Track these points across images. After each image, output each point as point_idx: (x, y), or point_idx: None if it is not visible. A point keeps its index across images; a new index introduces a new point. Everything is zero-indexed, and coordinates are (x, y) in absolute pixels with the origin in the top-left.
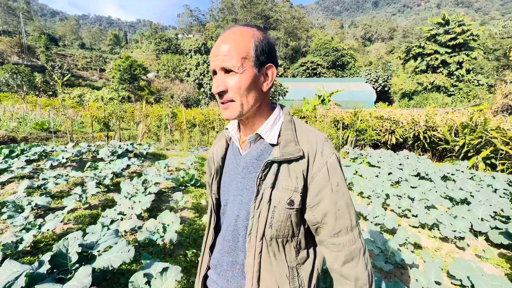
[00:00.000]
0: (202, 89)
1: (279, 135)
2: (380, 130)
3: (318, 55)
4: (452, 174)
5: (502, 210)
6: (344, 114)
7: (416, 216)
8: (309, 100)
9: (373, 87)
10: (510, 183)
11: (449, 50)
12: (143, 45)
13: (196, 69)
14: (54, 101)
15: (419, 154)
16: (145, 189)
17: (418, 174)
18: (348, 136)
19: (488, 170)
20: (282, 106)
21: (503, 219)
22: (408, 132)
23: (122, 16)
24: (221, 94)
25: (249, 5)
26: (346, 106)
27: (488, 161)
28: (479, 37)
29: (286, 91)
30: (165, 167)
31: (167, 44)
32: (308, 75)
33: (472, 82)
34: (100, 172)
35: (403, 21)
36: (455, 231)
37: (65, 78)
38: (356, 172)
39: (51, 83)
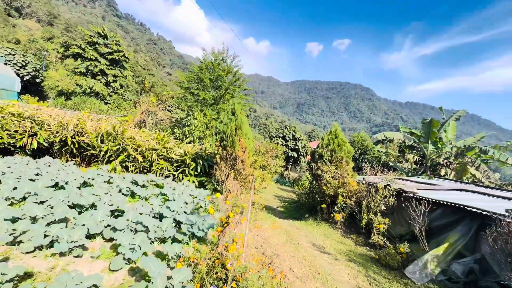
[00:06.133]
0: None
1: None
2: (16, 132)
3: None
4: (92, 179)
5: (118, 207)
6: None
7: (32, 238)
8: None
9: (18, 74)
10: (133, 182)
11: (108, 63)
12: None
13: None
14: None
15: (67, 160)
16: None
17: (57, 184)
18: None
19: (124, 171)
20: None
21: (119, 214)
22: (55, 136)
23: None
24: None
25: None
26: None
27: (124, 164)
28: (129, 61)
29: None
30: None
31: None
32: None
33: (123, 96)
34: None
35: (67, 12)
36: (72, 241)
37: None
38: None
39: None
